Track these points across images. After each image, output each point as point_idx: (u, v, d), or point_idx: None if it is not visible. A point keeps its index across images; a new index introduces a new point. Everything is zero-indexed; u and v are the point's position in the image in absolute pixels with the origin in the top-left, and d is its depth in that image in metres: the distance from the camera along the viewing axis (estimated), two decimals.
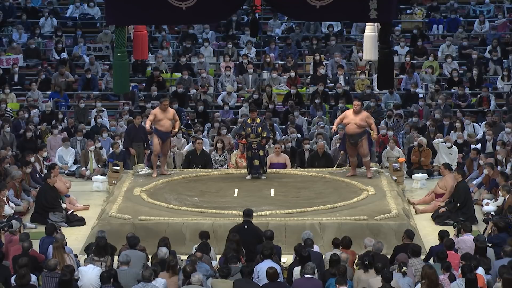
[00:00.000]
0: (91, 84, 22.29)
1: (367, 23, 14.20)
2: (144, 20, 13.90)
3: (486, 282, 11.40)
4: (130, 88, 20.13)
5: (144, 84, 22.48)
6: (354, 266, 12.27)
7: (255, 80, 22.47)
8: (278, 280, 11.19)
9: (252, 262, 11.91)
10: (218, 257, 12.69)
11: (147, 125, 16.30)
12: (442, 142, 18.27)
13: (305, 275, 11.23)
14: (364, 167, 17.05)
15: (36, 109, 20.66)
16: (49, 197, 15.30)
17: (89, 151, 18.31)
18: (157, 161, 16.42)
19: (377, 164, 17.68)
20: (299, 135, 19.23)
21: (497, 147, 17.72)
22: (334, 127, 16.91)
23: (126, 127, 19.59)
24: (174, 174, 16.68)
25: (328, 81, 22.20)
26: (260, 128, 16.23)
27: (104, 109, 20.85)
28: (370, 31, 14.20)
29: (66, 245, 12.42)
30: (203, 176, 16.54)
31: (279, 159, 17.37)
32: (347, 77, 22.23)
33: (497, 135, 18.74)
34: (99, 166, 18.19)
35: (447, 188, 15.77)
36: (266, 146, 16.61)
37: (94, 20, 25.42)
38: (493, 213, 14.77)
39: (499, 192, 15.34)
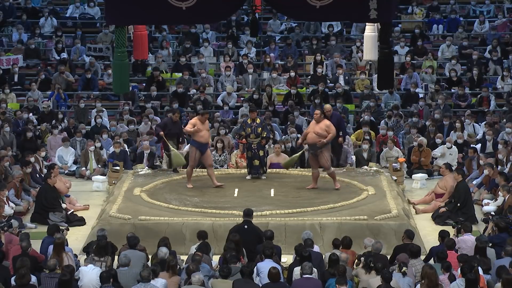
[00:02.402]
0: (91, 84, 22.30)
1: (367, 23, 14.20)
2: (144, 20, 13.88)
3: (486, 282, 11.40)
4: (130, 88, 20.13)
5: (144, 84, 22.48)
6: (354, 266, 12.28)
7: (255, 80, 22.48)
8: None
9: (252, 262, 11.92)
10: (217, 257, 12.66)
11: (189, 131, 15.84)
12: (442, 145, 18.31)
13: (304, 276, 11.23)
14: (365, 167, 17.08)
15: (31, 113, 20.51)
16: (49, 197, 15.29)
17: (89, 151, 18.31)
18: (192, 173, 15.88)
19: (377, 164, 17.68)
20: (299, 135, 19.21)
21: (499, 146, 17.72)
22: (300, 141, 15.99)
23: (126, 127, 19.62)
24: (174, 174, 16.69)
25: (328, 81, 22.21)
26: (260, 128, 16.23)
27: (104, 109, 20.85)
28: (370, 31, 14.20)
29: (67, 245, 12.42)
30: (203, 176, 16.53)
31: (279, 159, 17.36)
32: (347, 77, 22.24)
33: (497, 134, 18.76)
34: (99, 166, 18.20)
35: (447, 188, 15.77)
36: (266, 146, 16.61)
37: (94, 20, 25.43)
38: (493, 213, 14.78)
39: (499, 192, 15.33)
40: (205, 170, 17.01)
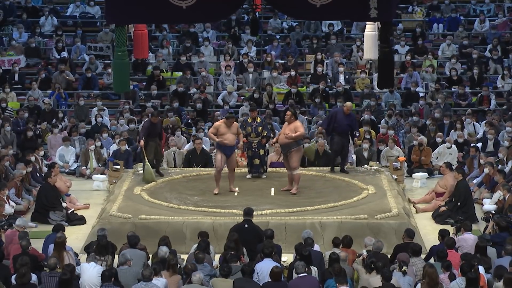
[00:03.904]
0: (91, 83, 22.30)
1: (367, 22, 14.20)
2: (144, 19, 13.86)
3: (486, 281, 11.40)
4: (131, 87, 20.12)
5: (144, 83, 22.48)
6: (356, 262, 12.26)
7: (255, 79, 22.48)
8: None
9: (253, 261, 11.92)
10: (217, 256, 12.68)
11: (213, 138, 15.58)
12: (442, 144, 18.31)
13: (298, 275, 11.23)
14: (365, 167, 17.07)
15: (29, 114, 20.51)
16: (50, 196, 15.30)
17: (89, 150, 18.32)
18: (220, 177, 15.50)
19: (377, 163, 17.68)
20: None
21: (506, 143, 17.68)
22: (274, 140, 16.17)
23: (126, 126, 19.62)
24: (174, 173, 16.69)
25: (328, 80, 22.21)
26: (261, 127, 16.23)
27: (105, 108, 20.85)
28: (371, 30, 14.20)
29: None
30: (204, 175, 16.53)
31: (280, 158, 17.35)
32: (347, 76, 22.24)
33: (498, 133, 18.76)
34: (100, 165, 18.20)
35: (447, 187, 15.77)
36: (267, 145, 16.61)
37: (95, 19, 25.43)
38: (493, 212, 14.79)
39: (499, 191, 15.31)
40: (205, 169, 17.06)
